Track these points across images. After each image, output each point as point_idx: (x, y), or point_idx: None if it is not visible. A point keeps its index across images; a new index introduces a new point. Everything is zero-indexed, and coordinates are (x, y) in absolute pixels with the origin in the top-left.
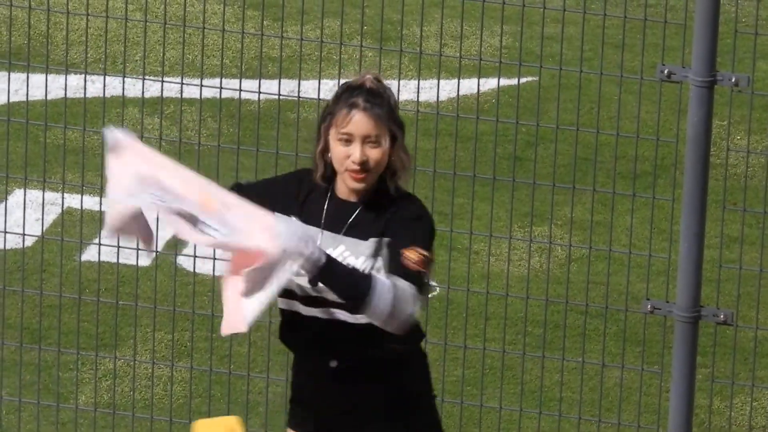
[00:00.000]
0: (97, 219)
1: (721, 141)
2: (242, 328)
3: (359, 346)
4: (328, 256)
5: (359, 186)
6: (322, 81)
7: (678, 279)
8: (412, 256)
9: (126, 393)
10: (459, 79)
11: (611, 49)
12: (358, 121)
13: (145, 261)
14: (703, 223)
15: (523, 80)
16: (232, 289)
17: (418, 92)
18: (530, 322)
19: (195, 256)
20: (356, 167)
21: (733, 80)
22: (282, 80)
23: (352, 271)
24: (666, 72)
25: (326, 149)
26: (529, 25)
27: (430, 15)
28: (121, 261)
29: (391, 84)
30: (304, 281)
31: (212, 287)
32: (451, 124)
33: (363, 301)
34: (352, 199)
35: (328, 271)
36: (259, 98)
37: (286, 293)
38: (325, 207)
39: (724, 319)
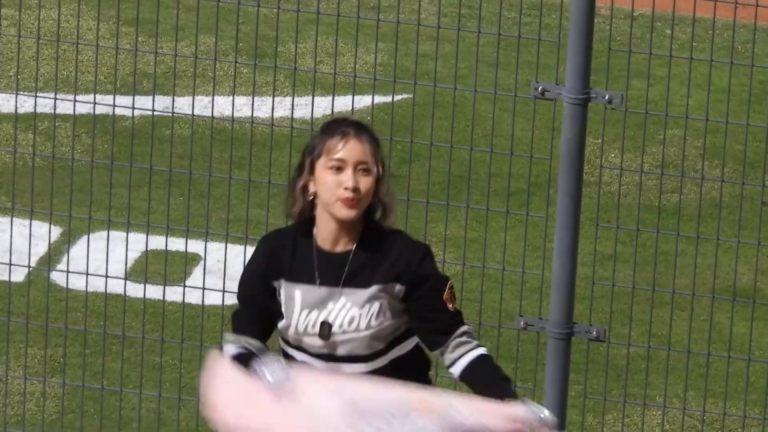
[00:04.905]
0: None
1: (595, 159)
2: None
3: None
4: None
5: (351, 214)
6: (196, 97)
7: (551, 296)
8: (448, 302)
9: None
10: (334, 96)
11: (486, 67)
12: (352, 148)
13: (17, 277)
14: (576, 240)
15: (397, 97)
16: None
17: (292, 109)
18: None
19: (68, 272)
20: (349, 194)
21: (607, 97)
22: (156, 96)
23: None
24: (540, 89)
25: (307, 185)
26: (404, 42)
27: (305, 32)
28: None
29: (266, 101)
30: (315, 340)
31: (85, 303)
32: None
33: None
34: (338, 249)
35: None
36: (133, 114)
37: (297, 347)
38: (315, 263)
39: (597, 335)
